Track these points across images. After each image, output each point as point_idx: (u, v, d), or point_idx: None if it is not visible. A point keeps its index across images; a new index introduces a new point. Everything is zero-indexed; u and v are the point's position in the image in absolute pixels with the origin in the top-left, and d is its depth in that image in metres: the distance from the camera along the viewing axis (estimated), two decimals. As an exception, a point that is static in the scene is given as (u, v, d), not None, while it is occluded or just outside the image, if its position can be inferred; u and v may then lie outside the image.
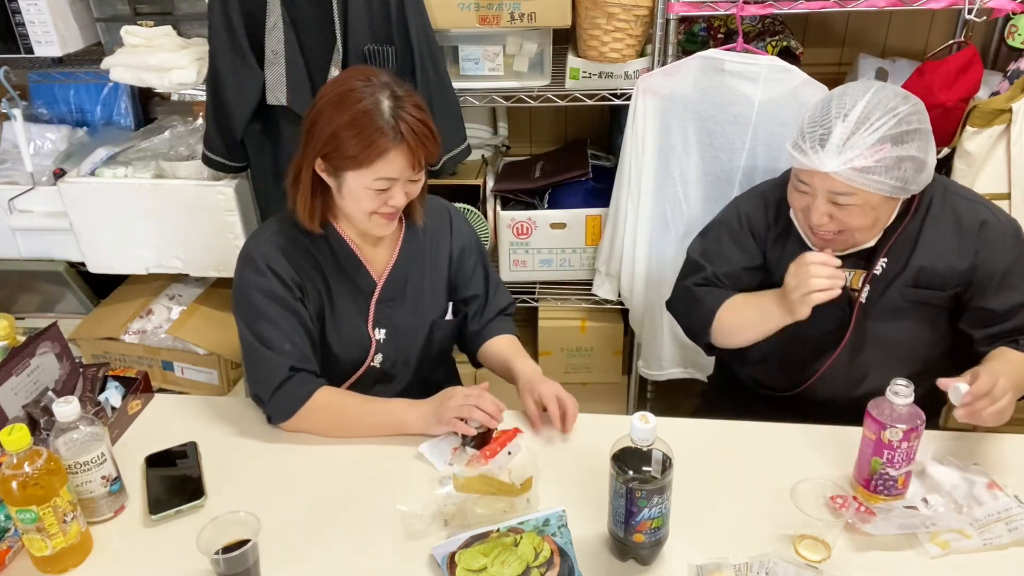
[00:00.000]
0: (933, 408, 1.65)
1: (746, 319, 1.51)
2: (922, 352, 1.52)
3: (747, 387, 1.70)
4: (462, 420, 1.34)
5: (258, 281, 1.42)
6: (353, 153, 1.32)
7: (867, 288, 1.48)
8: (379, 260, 1.51)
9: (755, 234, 1.56)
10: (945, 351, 1.54)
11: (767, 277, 1.57)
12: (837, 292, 1.36)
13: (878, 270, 1.46)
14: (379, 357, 1.53)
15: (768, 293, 1.49)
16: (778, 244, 1.54)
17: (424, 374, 1.61)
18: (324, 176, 1.39)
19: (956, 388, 1.24)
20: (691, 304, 1.58)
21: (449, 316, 1.60)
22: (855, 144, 1.30)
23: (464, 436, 1.34)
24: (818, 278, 1.35)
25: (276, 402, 1.41)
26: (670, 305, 1.68)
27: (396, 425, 1.41)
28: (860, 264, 1.48)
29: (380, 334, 1.52)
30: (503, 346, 1.60)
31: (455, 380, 1.71)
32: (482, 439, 1.34)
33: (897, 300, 1.48)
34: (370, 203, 1.37)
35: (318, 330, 1.48)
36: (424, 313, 1.55)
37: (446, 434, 1.38)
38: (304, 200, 1.42)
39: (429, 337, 1.57)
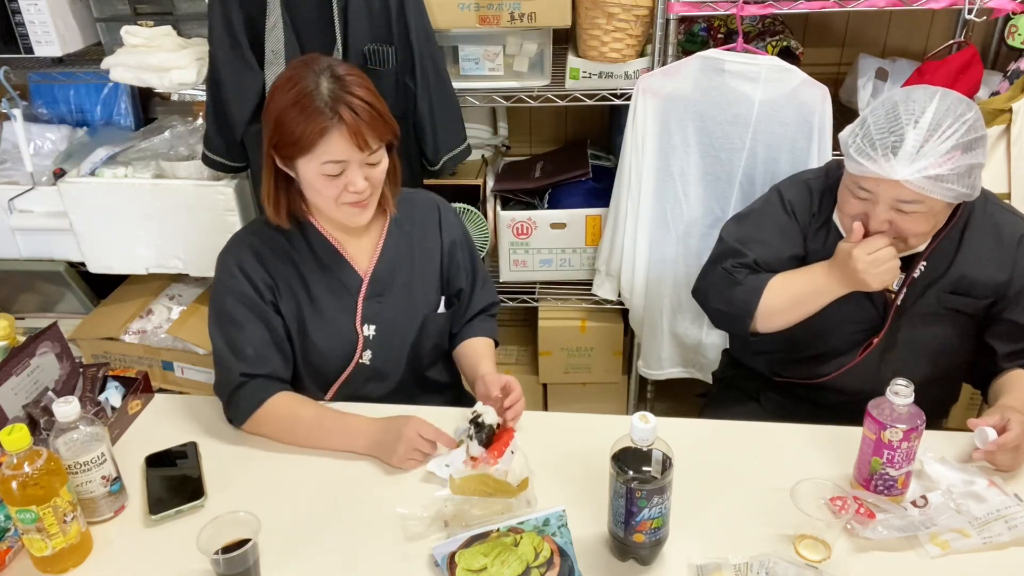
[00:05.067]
0: (943, 409, 1.65)
1: (798, 295, 1.47)
2: (948, 357, 1.52)
3: (761, 376, 1.69)
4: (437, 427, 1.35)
5: (229, 283, 1.43)
6: (295, 138, 1.30)
7: (904, 291, 1.47)
8: (363, 255, 1.50)
9: (800, 223, 1.54)
10: (967, 358, 1.54)
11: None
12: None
13: (916, 273, 1.46)
14: (368, 354, 1.51)
15: (817, 267, 1.47)
16: (820, 234, 1.52)
17: (419, 370, 1.59)
18: (284, 167, 1.38)
19: (983, 432, 1.25)
20: (731, 287, 1.52)
21: (442, 310, 1.58)
22: (929, 152, 1.28)
23: (479, 429, 1.32)
24: (895, 261, 1.36)
25: (232, 407, 1.42)
26: (699, 291, 1.62)
27: (347, 446, 1.39)
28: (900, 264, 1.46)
29: (369, 330, 1.50)
30: (478, 349, 1.59)
31: (454, 376, 1.70)
32: (491, 436, 1.33)
33: (933, 305, 1.47)
34: (328, 190, 1.35)
35: (298, 330, 1.47)
36: (415, 307, 1.54)
37: (451, 448, 1.36)
38: (268, 193, 1.41)
39: (421, 332, 1.55)
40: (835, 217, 1.50)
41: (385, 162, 1.39)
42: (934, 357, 1.51)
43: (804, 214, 1.54)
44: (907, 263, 1.46)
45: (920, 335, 1.50)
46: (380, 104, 1.34)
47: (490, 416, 1.33)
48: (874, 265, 1.35)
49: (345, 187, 1.35)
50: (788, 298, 1.47)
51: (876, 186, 1.34)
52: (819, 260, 1.49)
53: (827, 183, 1.53)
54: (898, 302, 1.48)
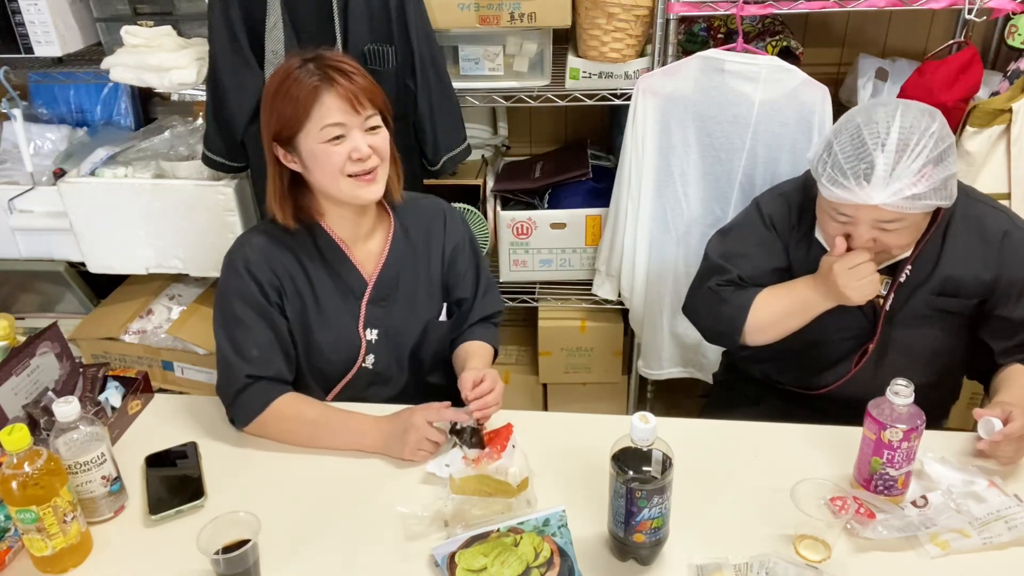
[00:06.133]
0: (944, 412, 1.65)
1: (784, 309, 1.48)
2: (943, 359, 1.52)
3: (760, 382, 1.69)
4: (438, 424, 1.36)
5: (235, 283, 1.43)
6: (291, 112, 1.33)
7: (891, 296, 1.47)
8: (370, 260, 1.50)
9: (780, 236, 1.55)
10: (964, 357, 1.54)
11: (790, 279, 1.54)
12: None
13: (902, 278, 1.46)
14: (371, 358, 1.52)
15: (802, 281, 1.48)
16: (802, 246, 1.53)
17: (421, 376, 1.60)
18: (290, 164, 1.39)
19: (989, 422, 1.25)
20: (718, 305, 1.54)
21: (443, 317, 1.58)
22: (901, 174, 1.28)
23: (460, 436, 1.34)
24: (876, 276, 1.37)
25: (236, 408, 1.42)
26: (689, 309, 1.65)
27: (353, 444, 1.39)
28: (883, 271, 1.46)
29: (372, 335, 1.50)
30: (470, 350, 1.58)
31: (454, 381, 1.70)
32: (477, 436, 1.34)
33: (921, 308, 1.47)
34: (332, 158, 1.34)
35: (302, 331, 1.47)
36: (419, 314, 1.54)
37: (449, 447, 1.36)
38: (274, 193, 1.42)
39: (423, 338, 1.55)
40: (817, 234, 1.50)
41: (385, 134, 1.40)
42: (929, 359, 1.51)
43: (784, 227, 1.55)
44: (893, 268, 1.46)
45: (912, 339, 1.50)
46: (368, 74, 1.37)
47: (464, 418, 1.34)
48: (854, 278, 1.36)
49: (349, 155, 1.35)
50: (775, 313, 1.49)
51: (855, 211, 1.35)
52: (803, 272, 1.50)
53: (805, 195, 1.53)
54: (886, 308, 1.48)
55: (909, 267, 1.45)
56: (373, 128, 1.37)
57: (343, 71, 1.34)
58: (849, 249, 1.39)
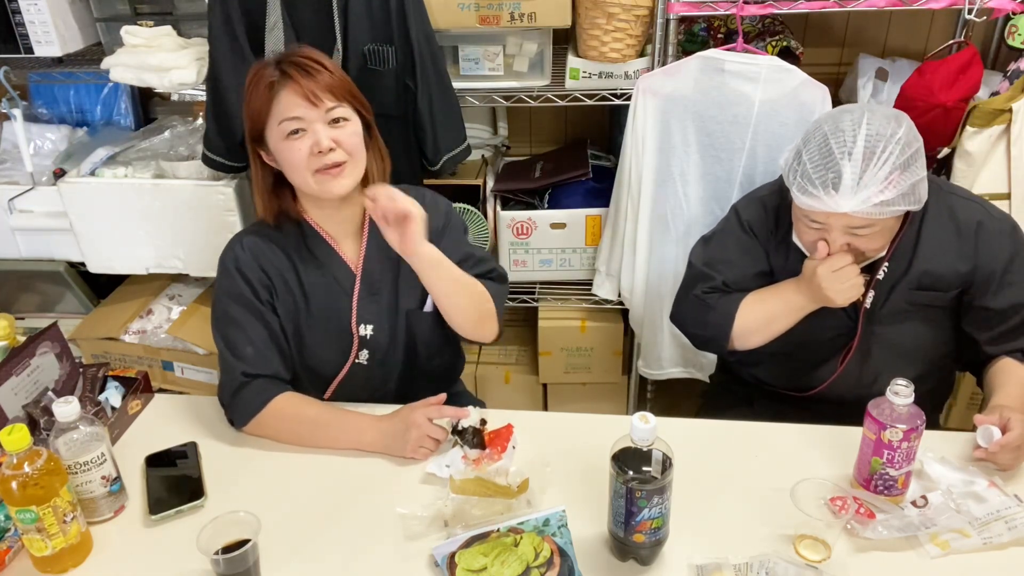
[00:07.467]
0: (937, 405, 1.65)
1: (769, 313, 1.50)
2: (929, 352, 1.53)
3: (753, 385, 1.70)
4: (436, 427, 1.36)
5: (227, 284, 1.44)
6: (255, 109, 1.36)
7: (871, 294, 1.48)
8: (358, 255, 1.50)
9: (760, 241, 1.56)
10: (951, 349, 1.54)
11: (772, 283, 1.56)
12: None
13: (880, 275, 1.46)
14: (364, 354, 1.51)
15: (785, 285, 1.50)
16: (781, 250, 1.54)
17: (416, 369, 1.58)
18: (270, 162, 1.41)
19: (988, 430, 1.26)
20: (704, 313, 1.56)
21: (428, 308, 1.54)
22: (869, 182, 1.29)
23: (462, 436, 1.34)
24: (859, 278, 1.39)
25: (234, 408, 1.42)
26: (676, 317, 1.66)
27: (352, 443, 1.39)
28: (861, 270, 1.47)
29: (367, 330, 1.50)
30: None
31: (446, 362, 1.67)
32: (479, 436, 1.34)
33: (901, 304, 1.48)
34: (295, 154, 1.35)
35: (294, 329, 1.47)
36: (400, 303, 1.52)
37: (449, 447, 1.36)
38: (258, 189, 1.44)
39: (411, 330, 1.53)
40: (794, 238, 1.51)
41: (355, 126, 1.39)
42: (914, 354, 1.52)
43: (762, 231, 1.56)
44: (870, 267, 1.47)
45: (895, 335, 1.50)
46: (333, 66, 1.38)
47: (470, 419, 1.34)
48: (838, 282, 1.38)
49: (311, 149, 1.35)
50: (761, 318, 1.51)
51: (826, 218, 1.36)
52: (784, 276, 1.52)
53: (781, 200, 1.54)
54: (866, 305, 1.48)
55: (886, 264, 1.46)
56: (337, 121, 1.36)
57: (301, 66, 1.34)
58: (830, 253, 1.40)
